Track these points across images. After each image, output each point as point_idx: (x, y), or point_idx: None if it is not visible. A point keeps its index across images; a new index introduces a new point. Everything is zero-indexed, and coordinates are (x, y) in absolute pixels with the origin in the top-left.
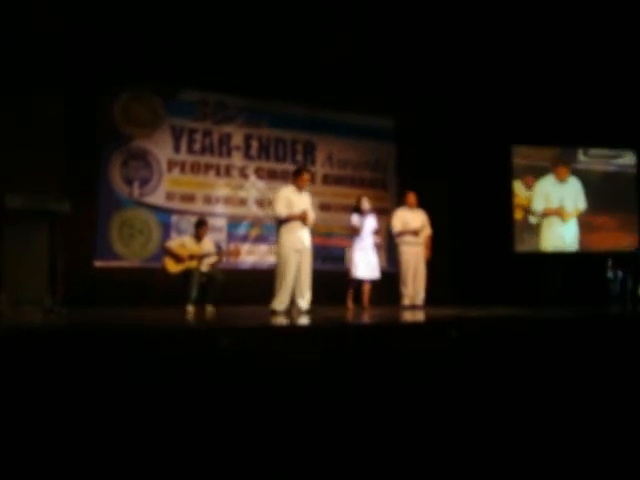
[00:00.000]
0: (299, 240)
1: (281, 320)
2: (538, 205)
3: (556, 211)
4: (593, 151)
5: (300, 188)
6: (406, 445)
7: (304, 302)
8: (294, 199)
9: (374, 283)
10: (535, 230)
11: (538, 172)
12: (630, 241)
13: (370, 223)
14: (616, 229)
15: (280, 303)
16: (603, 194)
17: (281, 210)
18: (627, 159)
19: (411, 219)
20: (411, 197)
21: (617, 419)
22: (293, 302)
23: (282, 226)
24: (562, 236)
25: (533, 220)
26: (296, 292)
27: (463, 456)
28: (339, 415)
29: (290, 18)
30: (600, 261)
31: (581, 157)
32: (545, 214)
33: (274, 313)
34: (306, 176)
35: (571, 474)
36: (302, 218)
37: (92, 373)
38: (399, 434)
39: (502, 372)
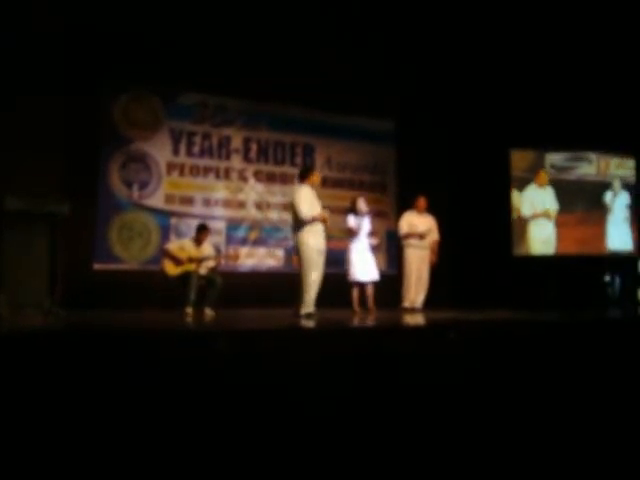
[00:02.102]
0: (321, 242)
1: (308, 323)
2: (526, 211)
3: (543, 213)
4: (557, 163)
5: (314, 188)
6: (405, 447)
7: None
8: (313, 200)
9: (375, 285)
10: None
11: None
12: (590, 233)
13: (367, 224)
14: (578, 224)
15: (310, 306)
16: (568, 197)
17: (307, 212)
18: (586, 169)
19: (418, 222)
20: (421, 201)
21: (616, 422)
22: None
23: (305, 228)
24: (547, 234)
25: None
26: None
27: (462, 458)
28: (338, 418)
29: (290, 21)
30: (597, 264)
31: (549, 169)
32: (533, 217)
33: (308, 316)
34: (317, 174)
35: (570, 476)
36: (324, 220)
37: (91, 375)
38: (398, 437)
39: (500, 375)
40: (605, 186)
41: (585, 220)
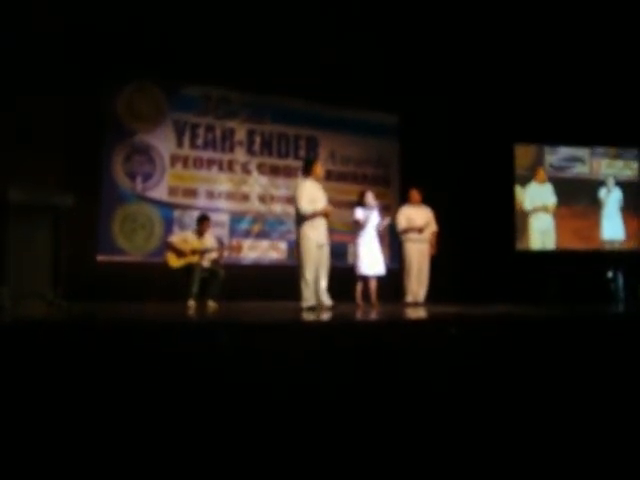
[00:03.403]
0: (321, 235)
1: (308, 316)
2: (527, 206)
3: (541, 207)
4: (555, 163)
5: (318, 180)
6: (404, 443)
7: (327, 298)
8: (316, 194)
9: (379, 279)
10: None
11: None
12: (586, 225)
13: (375, 218)
14: (575, 216)
15: (308, 300)
16: (566, 193)
17: (307, 207)
18: (580, 169)
19: (416, 216)
20: (414, 194)
21: (618, 419)
22: (317, 299)
23: (305, 222)
24: (547, 226)
25: None
26: (319, 288)
27: (461, 454)
28: (337, 412)
29: (294, 14)
30: (600, 260)
31: (548, 168)
32: (533, 210)
33: (309, 310)
34: (320, 165)
35: (570, 474)
36: (326, 214)
37: (93, 367)
38: (397, 432)
39: (502, 370)
40: (599, 183)
41: (582, 213)
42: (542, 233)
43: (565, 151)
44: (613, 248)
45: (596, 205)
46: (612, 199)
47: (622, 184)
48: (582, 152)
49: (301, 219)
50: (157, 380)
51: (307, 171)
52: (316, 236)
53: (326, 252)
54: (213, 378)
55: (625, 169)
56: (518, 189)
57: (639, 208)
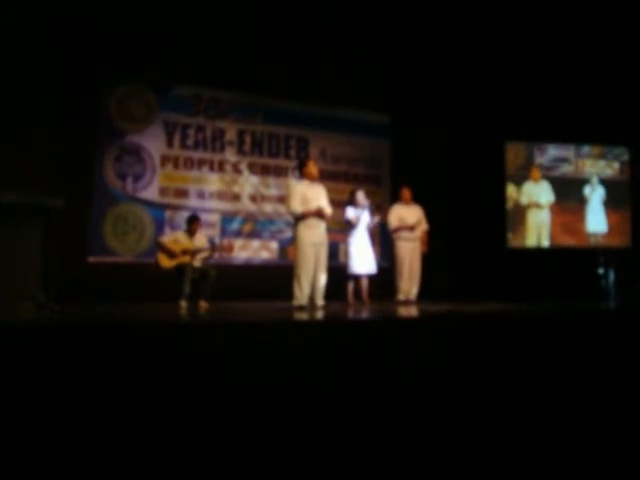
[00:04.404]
0: (316, 234)
1: (298, 315)
2: (523, 201)
3: (535, 204)
4: (544, 163)
5: (312, 180)
6: (398, 439)
7: (320, 298)
8: (308, 193)
9: (370, 278)
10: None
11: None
12: (573, 219)
13: (366, 217)
14: (564, 212)
15: (301, 299)
16: (555, 190)
17: (296, 208)
18: (566, 168)
19: (407, 215)
20: (405, 193)
21: (614, 415)
22: (310, 298)
23: (300, 222)
24: (542, 220)
25: None
26: (315, 286)
27: (454, 451)
28: (330, 410)
29: (285, 14)
30: (591, 257)
31: (538, 167)
32: (528, 206)
33: (299, 309)
34: (312, 164)
35: (565, 470)
36: (319, 214)
37: (85, 369)
38: (391, 428)
39: (495, 367)
40: (583, 181)
41: (569, 209)
42: (538, 227)
43: (553, 152)
44: (597, 240)
45: (581, 201)
46: (596, 196)
47: (604, 182)
48: (568, 152)
49: (296, 219)
50: (150, 380)
51: (300, 171)
52: (310, 235)
53: (324, 250)
54: (206, 377)
55: (607, 168)
56: (512, 188)
57: (619, 204)
